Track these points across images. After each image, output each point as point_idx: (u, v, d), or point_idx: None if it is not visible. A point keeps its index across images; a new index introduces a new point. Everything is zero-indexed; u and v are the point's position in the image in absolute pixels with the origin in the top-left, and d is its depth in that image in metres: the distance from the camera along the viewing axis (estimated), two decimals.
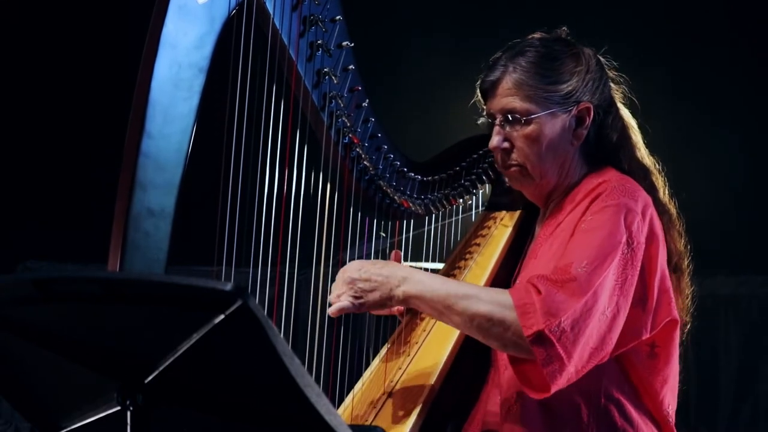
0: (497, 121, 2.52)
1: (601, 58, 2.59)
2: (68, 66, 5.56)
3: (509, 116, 2.50)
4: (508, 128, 2.51)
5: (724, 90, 5.34)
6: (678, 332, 2.51)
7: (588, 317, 2.30)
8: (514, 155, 2.53)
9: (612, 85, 2.60)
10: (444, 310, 2.36)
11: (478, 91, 2.59)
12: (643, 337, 2.43)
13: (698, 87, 5.35)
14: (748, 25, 5.32)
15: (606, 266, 2.33)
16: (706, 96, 5.34)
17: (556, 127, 2.50)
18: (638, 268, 2.39)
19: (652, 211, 2.46)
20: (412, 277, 2.40)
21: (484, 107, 2.57)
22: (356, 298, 2.41)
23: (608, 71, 2.60)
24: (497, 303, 2.31)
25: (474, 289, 2.38)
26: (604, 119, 2.55)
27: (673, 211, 2.59)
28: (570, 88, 2.50)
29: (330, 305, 2.44)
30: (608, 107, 2.56)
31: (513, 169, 2.55)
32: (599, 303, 2.32)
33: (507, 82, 2.50)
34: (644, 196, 2.46)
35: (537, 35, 2.58)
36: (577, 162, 2.56)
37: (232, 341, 1.62)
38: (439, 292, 2.36)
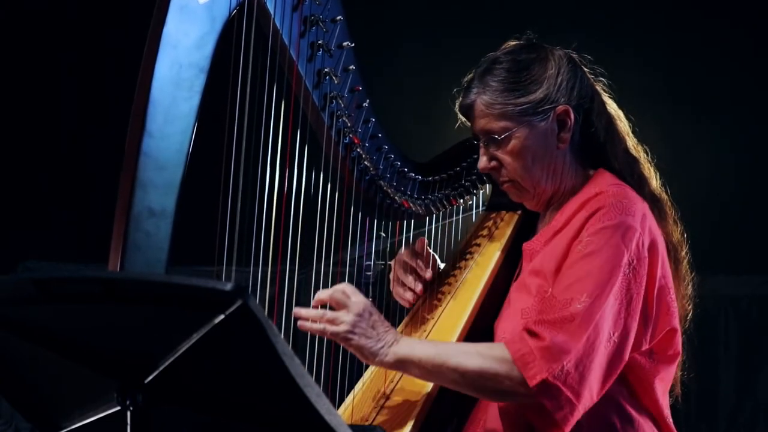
0: (481, 142, 2.54)
1: (574, 55, 2.57)
2: (69, 65, 5.56)
3: (489, 137, 2.51)
4: (492, 148, 2.52)
5: (725, 88, 5.33)
6: (678, 338, 2.50)
7: (592, 351, 2.31)
8: (503, 172, 2.53)
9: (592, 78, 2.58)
10: (435, 369, 2.36)
11: (459, 114, 2.59)
12: (643, 348, 2.43)
13: (699, 85, 5.35)
14: (748, 21, 5.32)
15: (607, 294, 2.34)
16: (706, 94, 5.34)
17: (537, 137, 2.49)
18: (643, 284, 2.39)
19: (650, 219, 2.45)
20: (404, 340, 2.41)
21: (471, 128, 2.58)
22: (350, 333, 2.38)
23: (583, 67, 2.56)
24: (490, 357, 2.33)
25: (466, 346, 2.41)
26: (586, 116, 2.53)
27: (666, 199, 2.57)
28: (542, 95, 2.49)
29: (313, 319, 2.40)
30: (590, 103, 2.54)
31: (506, 185, 2.56)
32: (602, 332, 2.33)
33: (479, 105, 2.51)
34: (641, 206, 2.44)
35: (507, 46, 2.56)
36: (570, 164, 2.55)
37: (232, 341, 1.62)
38: (429, 352, 2.37)
